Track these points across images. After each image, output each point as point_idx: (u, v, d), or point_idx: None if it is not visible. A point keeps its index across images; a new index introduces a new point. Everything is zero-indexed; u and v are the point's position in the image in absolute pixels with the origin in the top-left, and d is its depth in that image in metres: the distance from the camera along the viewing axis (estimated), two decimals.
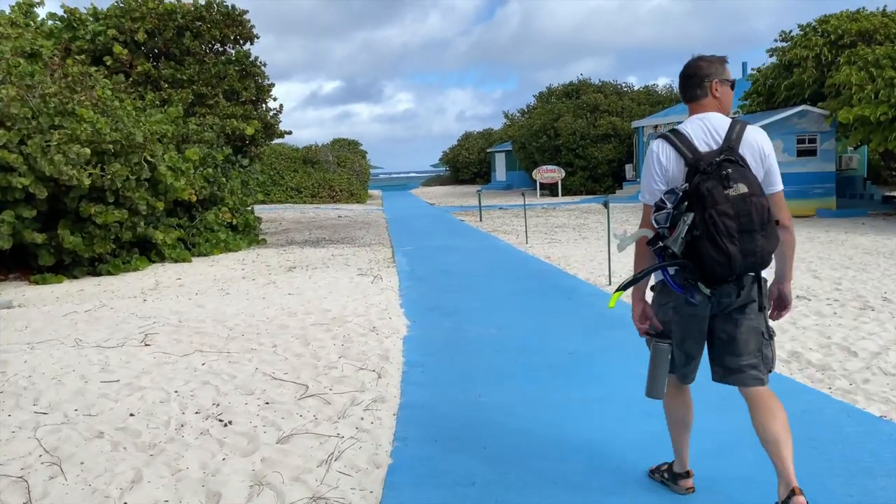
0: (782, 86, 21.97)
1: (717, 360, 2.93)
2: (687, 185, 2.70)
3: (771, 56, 23.26)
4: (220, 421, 4.22)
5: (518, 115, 47.26)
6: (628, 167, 33.76)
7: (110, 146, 10.48)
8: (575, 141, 34.78)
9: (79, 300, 8.64)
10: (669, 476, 3.28)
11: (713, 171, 2.65)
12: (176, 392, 4.78)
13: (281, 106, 18.01)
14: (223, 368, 5.33)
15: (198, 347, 5.99)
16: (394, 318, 7.37)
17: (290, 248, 14.89)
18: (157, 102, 14.03)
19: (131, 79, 14.34)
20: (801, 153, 20.12)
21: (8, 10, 14.37)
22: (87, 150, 10.05)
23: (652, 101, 38.76)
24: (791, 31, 22.80)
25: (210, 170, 13.97)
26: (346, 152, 42.86)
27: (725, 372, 2.90)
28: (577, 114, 35.97)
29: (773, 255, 2.75)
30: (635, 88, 41.38)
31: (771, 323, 2.95)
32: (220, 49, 15.88)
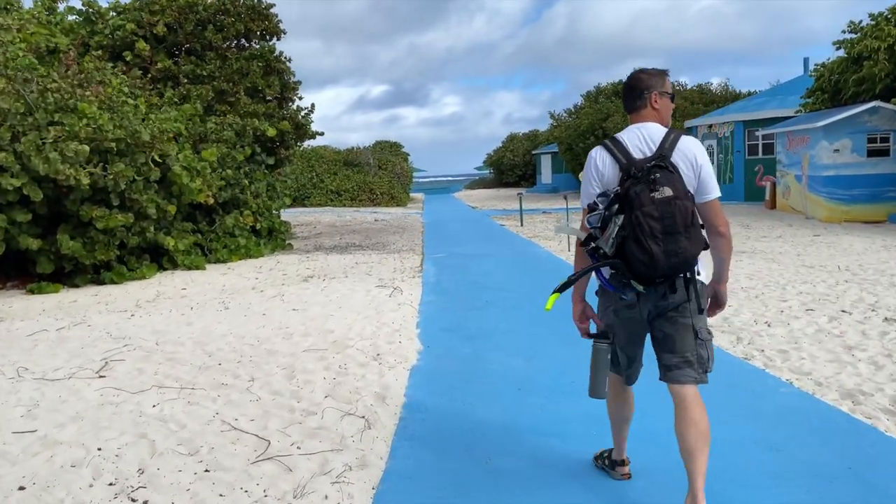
0: (851, 81, 20.16)
1: (658, 358, 3.04)
2: (618, 188, 2.81)
3: (838, 49, 21.42)
4: (133, 502, 3.19)
5: (565, 115, 45.75)
6: None
7: (113, 144, 9.66)
8: None
9: (62, 314, 7.80)
10: (609, 463, 3.44)
11: (643, 175, 2.75)
12: (99, 450, 3.76)
13: (312, 105, 17.13)
14: (176, 413, 4.32)
15: (160, 380, 5.00)
16: (405, 341, 6.30)
17: (315, 254, 13.96)
18: (176, 100, 13.27)
19: (150, 75, 13.61)
20: (871, 153, 18.35)
21: (31, 4, 13.83)
22: (86, 148, 9.25)
23: (706, 100, 36.96)
24: (861, 22, 20.96)
25: (229, 171, 13.12)
26: (388, 155, 42.04)
27: (664, 370, 3.01)
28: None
29: (697, 259, 2.83)
30: (688, 87, 39.58)
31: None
32: (244, 44, 15.06)
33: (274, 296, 8.71)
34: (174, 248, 11.45)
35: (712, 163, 28.51)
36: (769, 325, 6.87)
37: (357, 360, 5.62)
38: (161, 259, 11.65)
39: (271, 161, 16.14)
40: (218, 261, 12.72)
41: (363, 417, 4.27)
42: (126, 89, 11.81)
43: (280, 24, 15.16)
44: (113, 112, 10.16)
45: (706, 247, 2.87)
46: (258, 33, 14.88)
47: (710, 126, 28.78)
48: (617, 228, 2.75)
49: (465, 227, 20.65)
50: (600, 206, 2.83)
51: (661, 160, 2.81)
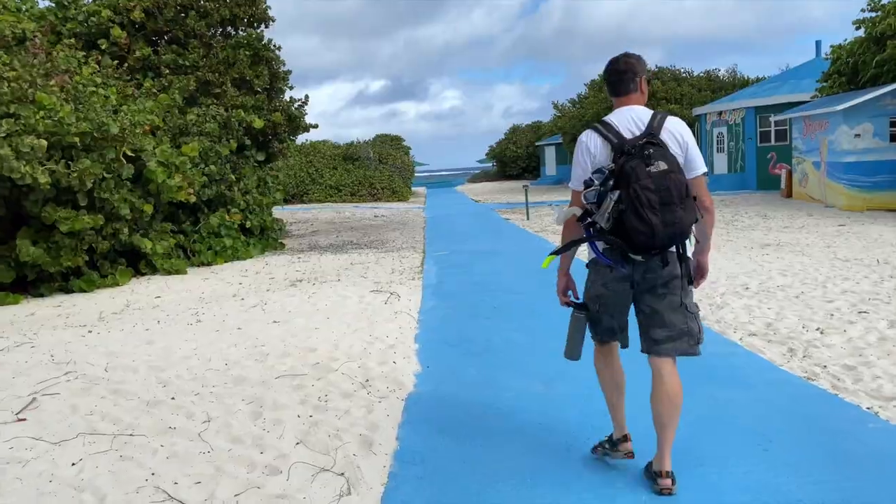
0: (872, 62, 19.09)
1: (644, 332, 3.14)
2: (613, 164, 2.92)
3: (858, 28, 20.33)
4: None
5: (569, 105, 44.62)
6: None
7: (76, 139, 8.69)
8: None
9: (9, 331, 6.82)
10: (610, 445, 3.37)
11: (636, 151, 2.88)
12: None
13: (306, 97, 16.14)
14: (98, 476, 3.34)
15: (93, 424, 4.03)
16: (400, 360, 5.35)
17: (308, 254, 13.00)
18: (155, 90, 12.28)
19: (127, 64, 12.61)
20: (894, 138, 17.32)
21: None
22: (44, 143, 8.28)
23: (713, 87, 35.89)
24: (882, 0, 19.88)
25: (213, 166, 12.14)
26: (389, 148, 40.99)
27: (651, 343, 3.10)
28: None
29: (692, 228, 2.93)
30: (695, 74, 38.45)
31: None
32: (230, 32, 14.04)
33: (254, 305, 7.75)
34: (152, 250, 10.50)
35: (723, 151, 27.65)
36: (822, 333, 5.91)
37: (341, 388, 4.66)
38: (138, 263, 10.70)
39: (262, 156, 15.16)
40: (202, 264, 11.76)
41: (342, 475, 3.32)
42: (98, 79, 10.85)
43: (269, 11, 14.14)
44: (79, 103, 9.18)
45: (697, 220, 2.95)
46: (245, 20, 13.86)
47: (720, 113, 27.74)
48: (612, 203, 2.84)
49: (468, 221, 19.66)
50: (596, 183, 2.93)
51: (652, 138, 2.93)
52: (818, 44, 28.51)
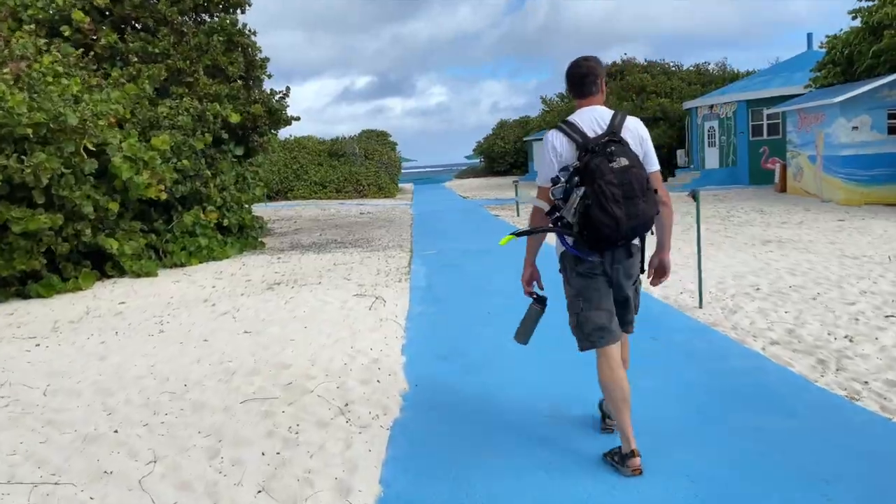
0: (869, 52, 18.61)
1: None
2: (578, 162, 3.07)
3: (854, 18, 19.87)
4: None
5: (557, 99, 44.04)
6: (680, 153, 30.51)
7: (28, 130, 7.95)
8: None
9: None
10: (618, 459, 3.26)
11: (600, 149, 3.03)
12: None
13: (287, 89, 15.37)
14: None
15: (12, 468, 3.32)
16: (385, 378, 4.70)
17: (288, 254, 12.31)
18: (123, 80, 11.52)
19: (93, 53, 11.83)
20: (893, 130, 16.84)
21: None
22: None
23: (703, 80, 35.46)
24: None
25: (186, 161, 11.40)
26: (375, 144, 40.22)
27: (620, 324, 3.34)
28: (622, 96, 32.88)
29: (654, 221, 3.11)
30: (684, 68, 37.99)
31: None
32: (204, 19, 13.27)
33: (225, 312, 7.06)
34: (119, 251, 9.77)
35: (714, 145, 27.16)
36: (851, 341, 5.34)
37: (317, 415, 4.01)
38: (105, 265, 9.96)
39: (240, 151, 14.41)
40: (175, 265, 11.03)
41: None
42: (60, 69, 10.09)
43: None
44: (34, 92, 8.44)
45: (658, 211, 3.11)
46: (219, 5, 13.09)
47: (712, 107, 27.25)
48: (578, 198, 2.98)
49: (457, 218, 19.01)
50: (562, 180, 3.08)
51: (614, 136, 3.08)
52: (809, 36, 28.13)
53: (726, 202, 18.78)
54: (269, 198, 29.34)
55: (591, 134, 3.12)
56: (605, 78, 3.32)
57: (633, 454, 3.17)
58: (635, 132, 3.19)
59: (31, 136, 8.01)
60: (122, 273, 10.09)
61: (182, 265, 11.11)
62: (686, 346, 5.31)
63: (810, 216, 14.33)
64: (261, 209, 20.51)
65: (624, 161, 2.99)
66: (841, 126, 16.98)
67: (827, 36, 22.04)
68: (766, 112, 23.77)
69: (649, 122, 31.85)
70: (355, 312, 6.91)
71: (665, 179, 29.60)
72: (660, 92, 33.13)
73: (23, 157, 8.06)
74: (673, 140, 31.31)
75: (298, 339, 5.81)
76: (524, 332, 3.53)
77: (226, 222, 12.99)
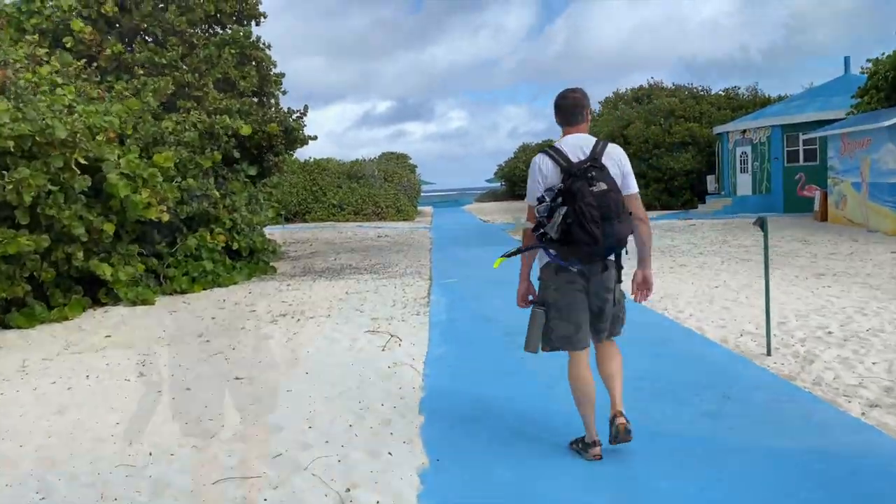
0: None
1: (591, 326, 3.62)
2: (562, 185, 3.40)
3: None
4: None
5: None
6: (710, 178, 29.44)
7: (11, 143, 7.17)
8: (647, 150, 30.75)
9: None
10: (582, 446, 3.66)
11: (581, 174, 3.36)
12: None
13: (306, 107, 14.58)
14: None
15: None
16: (398, 450, 3.76)
17: (300, 280, 11.45)
18: (128, 94, 10.80)
19: (97, 64, 11.14)
20: None
21: None
22: None
23: (733, 105, 34.41)
24: None
25: (192, 180, 10.62)
26: (395, 166, 39.58)
27: (595, 333, 3.64)
28: (650, 120, 31.96)
29: (629, 238, 3.43)
30: (713, 92, 37.01)
31: None
32: (216, 31, 12.57)
33: (219, 351, 6.16)
34: (113, 277, 8.95)
35: (747, 171, 26.09)
36: None
37: None
38: (98, 292, 9.15)
39: (254, 171, 13.64)
40: (175, 291, 10.21)
41: None
42: (59, 79, 9.39)
43: (259, 6, 12.68)
44: (21, 102, 7.69)
45: (632, 231, 3.46)
46: (232, 16, 12.39)
47: (744, 131, 26.24)
48: (561, 217, 3.31)
49: (478, 243, 18.09)
50: (547, 200, 3.41)
51: (595, 162, 3.42)
52: (847, 59, 27.04)
53: None
54: (287, 220, 28.68)
55: (574, 159, 3.44)
56: (589, 108, 3.66)
57: (594, 444, 3.61)
58: (615, 158, 3.50)
59: (13, 149, 7.22)
60: (116, 300, 9.27)
61: (183, 292, 10.27)
62: (770, 411, 4.31)
63: (859, 247, 13.25)
64: (277, 231, 19.76)
65: (602, 185, 3.31)
66: (890, 151, 15.93)
67: (868, 60, 21.05)
68: (802, 137, 22.75)
69: (677, 147, 30.91)
70: (366, 353, 6.00)
71: (695, 206, 28.82)
72: (688, 116, 32.17)
73: (4, 172, 7.28)
74: (702, 165, 30.30)
75: (296, 390, 4.89)
76: (532, 339, 3.59)
77: (235, 245, 12.18)
